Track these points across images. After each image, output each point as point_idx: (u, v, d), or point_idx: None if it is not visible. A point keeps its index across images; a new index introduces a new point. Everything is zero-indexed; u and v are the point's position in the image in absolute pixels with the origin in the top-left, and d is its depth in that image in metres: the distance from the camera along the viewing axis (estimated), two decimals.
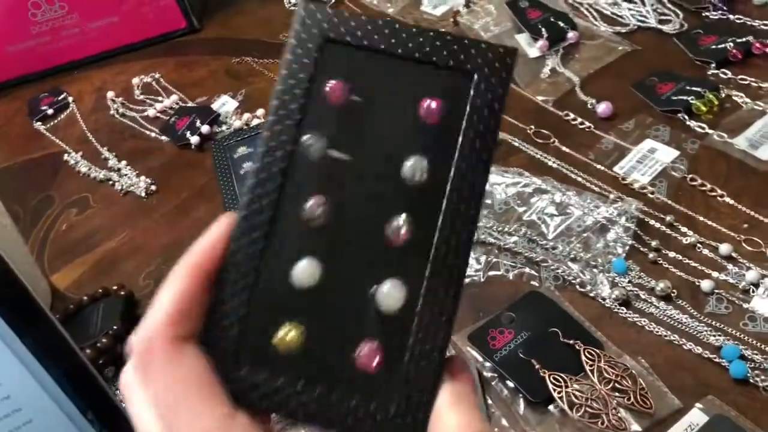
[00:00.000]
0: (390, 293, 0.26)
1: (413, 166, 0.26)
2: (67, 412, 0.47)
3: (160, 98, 0.88)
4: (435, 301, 0.26)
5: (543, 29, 0.77)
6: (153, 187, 0.75)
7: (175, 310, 0.25)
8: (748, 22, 0.73)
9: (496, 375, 0.51)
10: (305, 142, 0.26)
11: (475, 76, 0.27)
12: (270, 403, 0.26)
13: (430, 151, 0.26)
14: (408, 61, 0.27)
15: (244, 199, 0.26)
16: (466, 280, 0.57)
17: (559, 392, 0.48)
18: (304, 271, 0.26)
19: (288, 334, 0.26)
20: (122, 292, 0.64)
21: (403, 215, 0.26)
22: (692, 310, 0.52)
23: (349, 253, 0.26)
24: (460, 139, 0.26)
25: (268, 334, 0.26)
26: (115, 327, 0.59)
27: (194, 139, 0.78)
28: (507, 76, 0.27)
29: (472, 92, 0.27)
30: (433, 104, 0.27)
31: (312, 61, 0.27)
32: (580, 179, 0.63)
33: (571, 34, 0.77)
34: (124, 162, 0.79)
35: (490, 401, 0.50)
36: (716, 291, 0.52)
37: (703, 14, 0.76)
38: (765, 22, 0.72)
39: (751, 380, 0.47)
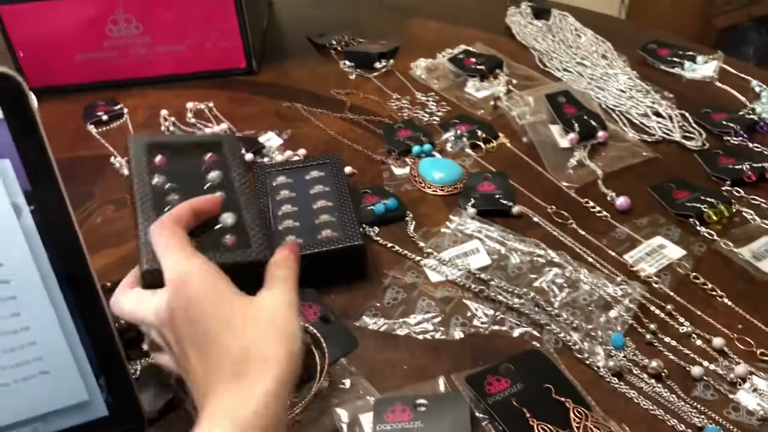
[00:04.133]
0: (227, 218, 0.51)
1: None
2: (81, 370, 0.49)
3: (210, 124, 0.94)
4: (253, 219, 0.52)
5: (576, 124, 0.83)
6: None
7: (185, 215, 0.48)
8: (766, 152, 0.79)
9: (487, 417, 0.53)
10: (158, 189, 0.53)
11: (228, 156, 0.56)
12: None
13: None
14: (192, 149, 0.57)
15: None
16: (471, 330, 0.61)
17: None
18: None
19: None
20: None
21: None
22: (680, 392, 0.54)
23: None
24: (236, 185, 0.54)
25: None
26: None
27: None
28: (240, 151, 0.58)
29: (230, 163, 0.55)
30: (215, 173, 0.54)
31: (146, 156, 0.54)
32: (591, 259, 0.67)
33: (600, 134, 0.83)
34: None
35: None
36: (705, 378, 0.55)
37: (725, 138, 0.82)
38: None
39: None
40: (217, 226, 0.51)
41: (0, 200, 0.44)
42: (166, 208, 0.50)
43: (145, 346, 0.55)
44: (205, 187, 0.53)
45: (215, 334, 0.43)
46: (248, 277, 0.47)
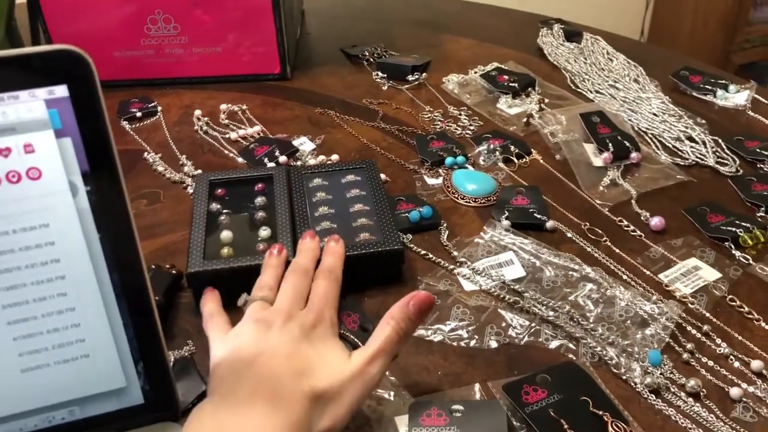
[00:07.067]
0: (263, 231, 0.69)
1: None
2: (121, 355, 0.49)
3: (243, 126, 0.94)
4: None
5: (610, 144, 0.83)
6: None
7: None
8: None
9: (524, 426, 0.53)
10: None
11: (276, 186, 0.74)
12: None
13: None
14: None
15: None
16: (506, 340, 0.60)
17: None
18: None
19: None
20: (173, 271, 0.67)
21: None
22: (718, 412, 0.54)
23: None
24: (277, 208, 0.70)
25: None
26: (156, 298, 0.61)
27: (270, 165, 0.84)
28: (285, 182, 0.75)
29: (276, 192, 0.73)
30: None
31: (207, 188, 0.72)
32: (625, 277, 0.67)
33: (634, 155, 0.83)
34: (199, 171, 0.84)
35: None
36: (744, 400, 0.55)
37: (758, 166, 0.82)
38: None
39: None
40: (258, 238, 0.67)
41: (58, 178, 0.44)
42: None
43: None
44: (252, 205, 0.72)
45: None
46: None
